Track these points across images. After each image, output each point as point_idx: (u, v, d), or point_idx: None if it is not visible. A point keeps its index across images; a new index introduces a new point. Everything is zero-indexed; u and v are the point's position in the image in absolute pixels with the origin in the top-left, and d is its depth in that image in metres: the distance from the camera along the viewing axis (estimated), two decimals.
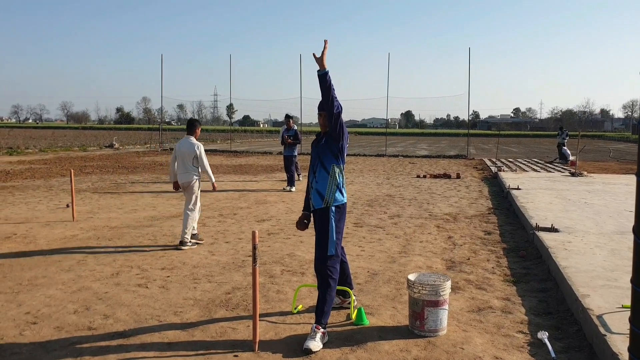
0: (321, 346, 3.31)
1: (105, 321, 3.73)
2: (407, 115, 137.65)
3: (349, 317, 3.86)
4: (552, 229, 6.41)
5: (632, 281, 2.40)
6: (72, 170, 7.97)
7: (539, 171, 16.01)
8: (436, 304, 3.50)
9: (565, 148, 20.50)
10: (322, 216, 3.54)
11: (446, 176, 14.57)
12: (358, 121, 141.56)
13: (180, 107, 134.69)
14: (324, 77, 3.40)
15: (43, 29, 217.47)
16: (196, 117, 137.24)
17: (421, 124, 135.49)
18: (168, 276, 4.84)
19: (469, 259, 5.61)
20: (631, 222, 2.60)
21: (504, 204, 9.60)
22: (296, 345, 3.38)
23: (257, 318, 3.30)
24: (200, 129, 6.14)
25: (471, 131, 35.47)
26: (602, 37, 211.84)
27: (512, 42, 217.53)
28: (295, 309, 3.98)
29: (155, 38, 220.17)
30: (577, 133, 18.36)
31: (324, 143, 3.58)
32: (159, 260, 5.42)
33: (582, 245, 5.65)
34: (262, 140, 45.28)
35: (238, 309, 4.01)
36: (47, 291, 4.37)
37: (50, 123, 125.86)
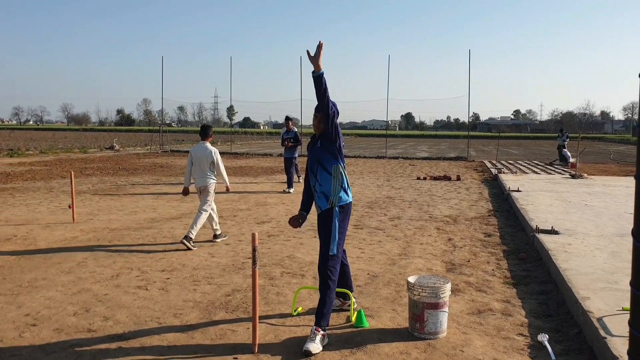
0: (321, 348, 3.30)
1: (105, 323, 3.73)
2: (407, 117, 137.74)
3: (348, 319, 3.86)
4: (553, 231, 6.41)
5: (631, 284, 2.40)
6: (72, 172, 7.98)
7: (539, 173, 16.01)
8: (436, 306, 3.50)
9: (566, 150, 20.50)
10: (326, 217, 3.55)
11: (446, 178, 14.57)
12: (358, 123, 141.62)
13: (181, 108, 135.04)
14: (319, 79, 3.37)
15: (43, 31, 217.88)
16: (197, 118, 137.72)
17: (421, 125, 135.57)
18: (168, 278, 4.84)
19: (469, 261, 5.61)
20: (631, 224, 2.60)
21: (504, 206, 9.60)
22: (296, 347, 3.38)
23: (257, 320, 3.30)
24: (212, 134, 6.47)
25: (471, 133, 35.48)
26: (602, 38, 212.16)
27: (512, 43, 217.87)
28: (295, 311, 3.97)
29: (156, 40, 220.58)
30: (578, 135, 18.37)
31: (320, 146, 3.58)
32: (159, 262, 5.42)
33: (583, 248, 5.64)
34: (263, 142, 45.30)
35: (238, 311, 4.01)
36: (47, 293, 4.37)
37: (51, 125, 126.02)
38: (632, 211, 2.53)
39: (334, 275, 3.50)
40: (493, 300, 4.33)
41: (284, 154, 11.99)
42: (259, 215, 8.32)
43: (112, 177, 13.83)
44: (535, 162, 22.27)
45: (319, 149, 3.58)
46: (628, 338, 2.58)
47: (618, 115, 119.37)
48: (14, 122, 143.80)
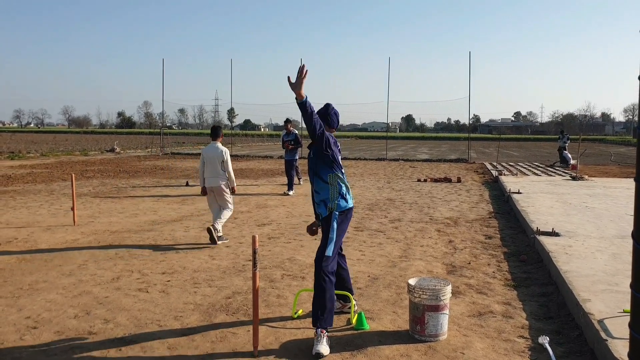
0: (329, 350, 3.31)
1: (105, 326, 3.73)
2: (408, 119, 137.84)
3: (349, 321, 3.86)
4: (553, 233, 6.41)
5: (631, 286, 2.40)
6: (73, 175, 7.99)
7: (539, 175, 16.00)
8: (437, 308, 3.50)
9: (566, 152, 20.50)
10: (326, 221, 3.61)
11: (447, 180, 14.57)
12: (358, 125, 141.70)
13: (182, 111, 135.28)
14: (303, 106, 3.23)
15: (44, 34, 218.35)
16: (197, 121, 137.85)
17: (422, 127, 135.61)
18: (168, 280, 4.84)
19: (469, 263, 5.61)
20: (632, 226, 2.60)
21: (505, 208, 9.59)
22: (296, 350, 3.38)
23: (258, 323, 3.30)
24: (223, 134, 6.68)
25: (472, 135, 35.48)
26: (602, 39, 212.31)
27: (512, 45, 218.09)
28: (295, 313, 3.97)
29: (157, 42, 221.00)
30: (578, 137, 18.37)
31: (314, 156, 3.60)
32: (160, 264, 5.42)
33: (583, 250, 5.64)
34: (263, 144, 45.33)
35: (238, 313, 4.01)
36: (47, 296, 4.37)
37: (52, 127, 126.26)
38: (633, 213, 2.53)
39: (329, 276, 3.50)
40: (494, 302, 4.33)
41: (284, 156, 12.00)
42: (260, 218, 8.32)
43: (112, 180, 13.85)
44: (536, 164, 22.26)
45: (312, 160, 3.62)
46: (628, 340, 2.57)
47: (619, 116, 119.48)
48: (15, 124, 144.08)
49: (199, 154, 27.30)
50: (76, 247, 6.14)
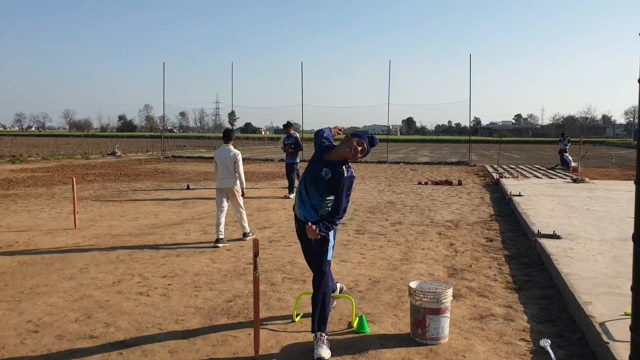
0: (330, 353, 3.30)
1: (106, 329, 3.73)
2: (409, 122, 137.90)
3: (350, 325, 3.85)
4: (554, 236, 6.40)
5: (632, 289, 2.40)
6: (74, 178, 8.00)
7: (540, 178, 16.00)
8: (438, 311, 3.49)
9: (567, 154, 20.49)
10: (323, 237, 3.52)
11: (448, 183, 14.56)
12: (359, 128, 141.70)
13: (182, 114, 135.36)
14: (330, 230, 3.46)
15: (45, 38, 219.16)
16: (198, 124, 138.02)
17: (422, 130, 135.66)
18: (169, 284, 4.84)
19: (470, 266, 5.60)
20: (633, 228, 2.60)
21: (506, 211, 9.59)
22: (297, 353, 3.37)
23: (259, 326, 3.30)
24: (235, 137, 7.01)
25: (473, 137, 35.49)
26: (603, 42, 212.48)
27: (513, 48, 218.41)
28: (296, 316, 3.97)
29: (157, 46, 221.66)
30: (579, 139, 18.37)
31: (329, 180, 3.43)
32: (160, 268, 5.42)
33: (584, 252, 5.63)
34: (264, 147, 45.37)
35: (239, 317, 4.01)
36: (48, 299, 4.37)
37: (53, 131, 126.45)
38: (633, 215, 2.53)
39: (329, 281, 3.54)
40: (495, 305, 4.32)
41: (285, 159, 12.01)
42: (261, 221, 8.32)
43: (113, 183, 13.86)
44: (537, 166, 22.25)
45: (323, 181, 3.43)
46: (630, 343, 2.57)
47: (620, 119, 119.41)
48: (16, 128, 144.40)
49: (200, 157, 27.38)
50: (77, 251, 6.15)
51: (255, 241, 3.21)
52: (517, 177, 15.99)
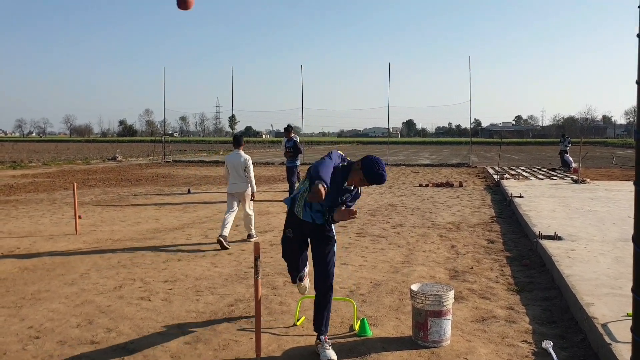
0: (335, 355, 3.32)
1: (108, 335, 3.73)
2: (409, 124, 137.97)
3: (352, 328, 3.85)
4: (556, 237, 6.39)
5: (633, 290, 2.40)
6: (75, 184, 8.01)
7: (541, 179, 15.99)
8: (439, 314, 3.49)
9: (568, 155, 20.48)
10: (321, 229, 3.54)
11: (448, 185, 14.56)
12: (359, 131, 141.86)
13: (183, 119, 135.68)
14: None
15: (45, 44, 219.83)
16: (199, 128, 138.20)
17: (423, 132, 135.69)
18: (171, 289, 4.84)
19: (472, 268, 5.59)
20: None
21: (507, 212, 9.58)
22: (299, 357, 3.37)
23: (260, 330, 3.30)
24: (244, 142, 7.18)
25: (473, 139, 35.49)
26: (602, 42, 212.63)
27: (512, 49, 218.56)
28: (298, 320, 3.96)
29: (157, 51, 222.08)
30: (579, 140, 18.37)
31: (350, 200, 3.48)
32: (162, 272, 5.42)
33: (586, 253, 5.62)
34: (265, 150, 45.40)
35: (241, 321, 4.01)
36: (50, 305, 4.37)
37: (54, 136, 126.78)
38: (633, 217, 2.53)
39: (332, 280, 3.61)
40: (497, 307, 4.32)
41: (285, 162, 12.02)
42: (261, 225, 8.32)
43: (114, 188, 13.87)
44: (538, 167, 22.24)
45: (338, 201, 3.42)
46: (631, 344, 2.57)
47: (620, 119, 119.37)
48: (17, 134, 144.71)
49: (201, 161, 27.40)
50: (78, 256, 6.15)
51: (256, 245, 3.21)
52: (517, 178, 15.98)
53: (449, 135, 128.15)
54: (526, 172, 19.35)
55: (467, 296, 4.60)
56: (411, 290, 3.62)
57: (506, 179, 15.36)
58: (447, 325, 3.54)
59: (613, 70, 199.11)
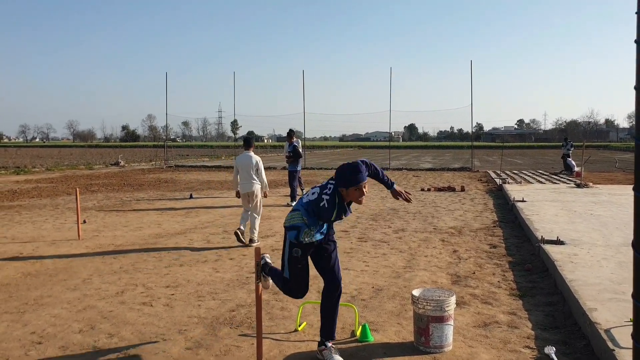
0: None
1: (110, 340, 3.73)
2: (411, 128, 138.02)
3: (353, 333, 3.84)
4: (558, 242, 6.37)
5: (633, 296, 2.39)
6: (77, 189, 8.04)
7: (544, 183, 15.95)
8: (441, 319, 3.48)
9: (570, 159, 20.44)
10: (331, 243, 3.55)
11: (450, 189, 14.54)
12: (361, 135, 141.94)
13: (185, 124, 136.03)
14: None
15: (49, 50, 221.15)
16: (201, 133, 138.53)
17: (425, 136, 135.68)
18: (172, 294, 4.85)
19: (474, 273, 5.58)
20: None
21: (509, 217, 9.56)
22: None
23: (261, 336, 3.29)
24: (254, 145, 7.40)
25: (475, 143, 35.45)
26: (605, 46, 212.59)
27: (514, 53, 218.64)
28: (299, 326, 3.96)
29: (160, 56, 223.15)
30: (582, 144, 18.33)
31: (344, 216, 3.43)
32: (164, 278, 5.43)
33: (589, 258, 5.60)
34: (267, 155, 45.44)
35: (242, 326, 4.00)
36: (52, 310, 4.38)
37: (57, 142, 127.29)
38: (633, 223, 2.53)
39: None
40: (499, 312, 4.30)
41: (287, 167, 12.06)
42: (263, 229, 8.32)
43: (117, 193, 13.91)
44: (540, 171, 22.19)
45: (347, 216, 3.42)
46: (632, 350, 2.55)
47: (623, 123, 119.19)
48: (21, 139, 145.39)
49: (203, 166, 27.46)
50: (81, 261, 6.16)
51: (257, 250, 3.21)
52: (520, 182, 15.95)
53: (451, 139, 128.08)
54: (528, 176, 19.31)
55: (469, 301, 4.59)
56: (413, 296, 3.62)
57: (508, 183, 15.33)
58: (449, 330, 3.53)
59: (616, 73, 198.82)
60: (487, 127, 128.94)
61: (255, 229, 7.05)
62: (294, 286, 3.45)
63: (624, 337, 3.34)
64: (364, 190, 3.21)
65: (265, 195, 7.25)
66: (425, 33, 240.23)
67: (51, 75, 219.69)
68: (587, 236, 6.85)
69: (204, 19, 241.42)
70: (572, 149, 20.82)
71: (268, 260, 3.69)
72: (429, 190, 14.54)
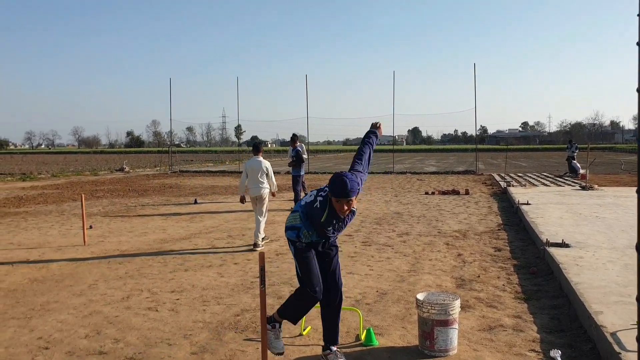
0: None
1: (115, 345, 3.75)
2: (414, 132, 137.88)
3: (358, 337, 3.84)
4: (563, 245, 6.35)
5: (638, 299, 2.38)
6: (82, 195, 8.08)
7: (548, 185, 15.89)
8: (446, 323, 3.48)
9: (575, 161, 20.36)
10: (336, 247, 3.57)
11: (455, 192, 14.51)
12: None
13: (190, 129, 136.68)
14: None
15: (53, 57, 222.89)
16: (205, 139, 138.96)
17: (429, 140, 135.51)
18: (178, 299, 4.86)
19: (479, 276, 5.57)
20: None
21: (514, 220, 9.53)
22: None
23: (266, 340, 3.30)
24: (263, 149, 7.63)
25: (479, 146, 35.39)
26: (609, 47, 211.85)
27: (518, 55, 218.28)
28: (304, 330, 3.96)
29: (163, 62, 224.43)
30: (587, 146, 18.26)
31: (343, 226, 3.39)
32: (169, 283, 5.45)
33: (594, 261, 5.58)
34: (270, 159, 45.44)
35: (247, 331, 4.01)
36: (58, 316, 4.41)
37: (62, 148, 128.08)
38: (636, 225, 2.53)
39: None
40: (504, 315, 4.29)
41: (291, 171, 12.09)
42: (267, 234, 8.33)
43: (122, 199, 13.97)
44: (545, 174, 22.11)
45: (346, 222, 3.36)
46: (637, 353, 2.54)
47: (628, 124, 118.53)
48: (27, 146, 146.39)
49: (207, 171, 27.53)
50: (86, 267, 6.20)
51: (261, 254, 3.22)
52: (525, 185, 15.90)
53: (455, 142, 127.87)
54: (533, 179, 19.24)
55: (474, 305, 4.58)
56: (417, 300, 3.62)
57: (513, 186, 15.29)
58: (454, 334, 3.52)
59: (621, 75, 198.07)
60: (491, 130, 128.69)
61: (259, 232, 7.15)
62: (309, 279, 3.31)
63: (630, 340, 3.32)
64: (344, 207, 3.13)
65: (273, 195, 7.54)
66: (428, 36, 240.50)
67: (56, 82, 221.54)
68: (592, 239, 6.82)
69: (207, 24, 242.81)
70: (577, 151, 20.73)
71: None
72: (433, 193, 14.51)
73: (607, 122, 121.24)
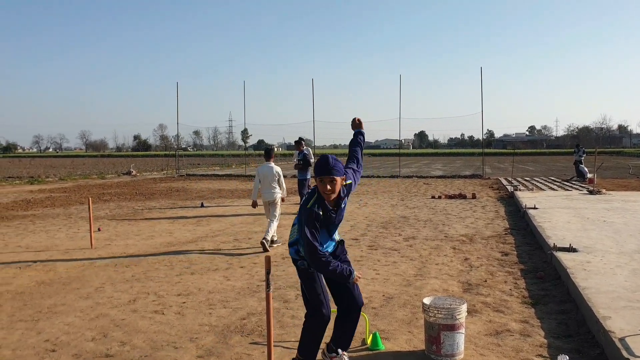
0: None
1: (122, 348, 3.77)
2: (421, 136, 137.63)
3: (364, 342, 3.83)
4: (571, 249, 6.30)
5: None
6: (90, 198, 8.14)
7: (556, 190, 15.79)
8: (452, 327, 3.46)
9: (583, 166, 20.23)
10: (348, 262, 3.49)
11: (461, 196, 14.46)
12: (371, 142, 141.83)
13: (196, 133, 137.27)
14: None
15: (61, 62, 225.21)
16: (212, 142, 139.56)
17: (435, 144, 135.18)
18: (184, 302, 4.88)
19: (485, 281, 5.54)
20: None
21: (521, 224, 9.47)
22: None
23: (272, 344, 3.30)
24: (274, 155, 7.90)
25: (486, 150, 35.25)
26: (617, 51, 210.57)
27: (525, 59, 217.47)
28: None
29: (170, 67, 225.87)
30: (594, 150, 18.14)
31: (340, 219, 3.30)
32: (175, 286, 5.47)
33: (602, 265, 5.53)
34: (277, 163, 45.59)
35: (253, 334, 4.02)
36: (66, 319, 4.43)
37: (70, 152, 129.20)
38: None
39: None
40: (511, 320, 4.26)
41: (297, 175, 12.10)
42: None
43: (129, 202, 14.05)
44: (552, 178, 21.98)
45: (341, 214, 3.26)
46: None
47: (636, 128, 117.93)
48: (35, 150, 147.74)
49: (214, 175, 27.65)
50: (93, 270, 6.23)
51: (267, 258, 3.23)
52: (532, 189, 15.81)
53: (462, 146, 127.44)
54: (540, 183, 19.13)
55: (480, 309, 4.55)
56: (423, 304, 3.60)
57: (520, 190, 15.21)
58: (461, 339, 3.51)
59: (629, 79, 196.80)
60: (498, 134, 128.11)
61: (269, 232, 7.30)
62: (316, 300, 3.25)
63: (639, 345, 3.29)
64: (327, 186, 3.04)
65: (282, 200, 7.71)
66: (435, 40, 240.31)
67: (64, 86, 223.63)
68: (600, 243, 6.77)
69: (214, 28, 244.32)
70: (585, 155, 20.61)
71: None
72: (439, 197, 14.47)
73: (615, 126, 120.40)
